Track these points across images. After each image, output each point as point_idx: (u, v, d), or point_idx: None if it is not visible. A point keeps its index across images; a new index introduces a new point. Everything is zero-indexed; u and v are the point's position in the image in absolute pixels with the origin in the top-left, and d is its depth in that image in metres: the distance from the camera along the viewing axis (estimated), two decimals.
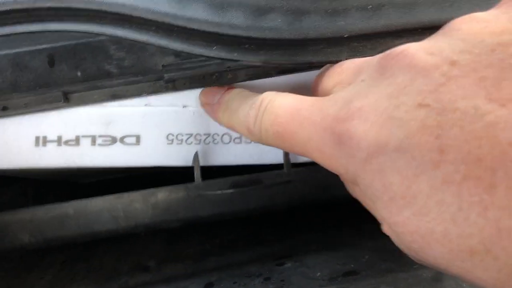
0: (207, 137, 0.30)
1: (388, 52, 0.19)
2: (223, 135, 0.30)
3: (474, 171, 0.14)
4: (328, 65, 0.25)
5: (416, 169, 0.16)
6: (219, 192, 0.29)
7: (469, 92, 0.15)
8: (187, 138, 0.30)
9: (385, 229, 0.19)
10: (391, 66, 0.18)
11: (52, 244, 0.29)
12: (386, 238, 0.31)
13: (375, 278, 0.26)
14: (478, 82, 0.15)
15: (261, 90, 0.26)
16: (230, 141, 0.30)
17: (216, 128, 0.30)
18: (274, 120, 0.22)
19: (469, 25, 0.17)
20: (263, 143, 0.23)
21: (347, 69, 0.23)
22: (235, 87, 0.28)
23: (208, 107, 0.29)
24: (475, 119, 0.15)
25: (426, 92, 0.16)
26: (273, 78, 0.28)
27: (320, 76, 0.25)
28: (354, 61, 0.23)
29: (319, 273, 0.27)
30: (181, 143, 0.30)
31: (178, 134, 0.30)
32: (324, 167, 0.20)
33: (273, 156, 0.30)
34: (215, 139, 0.30)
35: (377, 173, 0.17)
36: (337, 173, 0.20)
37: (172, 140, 0.30)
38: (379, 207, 0.18)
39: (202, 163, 0.30)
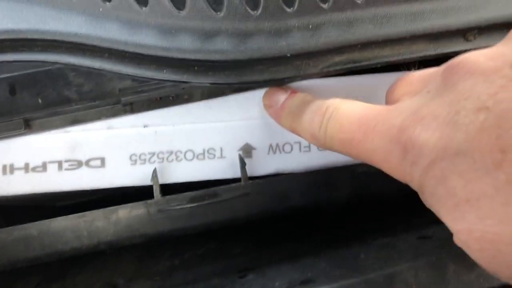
0: (169, 155, 0.31)
1: (451, 61, 0.19)
2: (186, 152, 0.31)
3: None
4: (400, 76, 0.25)
5: (478, 171, 0.16)
6: (178, 207, 0.30)
7: None
8: (150, 157, 0.31)
9: (455, 240, 0.18)
10: (452, 75, 0.18)
11: (18, 266, 0.30)
12: (344, 246, 0.32)
13: (330, 284, 0.27)
14: None
15: (322, 93, 0.28)
16: (193, 158, 0.31)
17: (178, 145, 0.31)
18: (340, 128, 0.22)
19: None
20: (328, 149, 0.24)
21: (416, 80, 0.23)
22: (298, 91, 0.28)
23: (270, 109, 0.29)
24: None
25: (485, 95, 0.16)
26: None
27: (392, 86, 0.25)
28: (424, 72, 0.23)
29: (277, 283, 0.28)
30: (144, 163, 0.31)
31: (141, 154, 0.31)
32: (393, 176, 0.21)
33: (236, 171, 0.31)
34: (178, 156, 0.31)
35: (440, 178, 0.17)
36: (406, 183, 0.20)
37: (136, 160, 0.31)
38: (444, 215, 0.17)
39: (165, 180, 0.31)
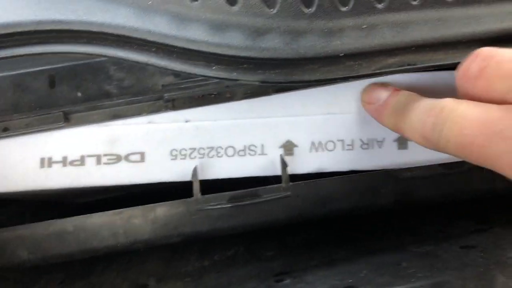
0: (210, 151, 0.31)
1: None
2: (226, 148, 0.31)
3: None
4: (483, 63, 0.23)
5: None
6: (217, 206, 0.29)
7: None
8: (191, 153, 0.30)
9: None
10: None
11: (51, 262, 0.29)
12: (384, 252, 0.31)
13: None
14: None
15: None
16: (234, 154, 0.31)
17: (219, 141, 0.31)
18: (459, 131, 0.21)
19: None
20: (440, 151, 0.23)
21: None
22: (401, 89, 0.28)
23: (370, 107, 0.29)
24: None
25: None
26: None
27: (484, 79, 0.23)
28: None
29: None
30: (185, 158, 0.30)
31: (181, 149, 0.30)
32: None
33: (276, 169, 0.31)
34: (219, 152, 0.31)
35: None
36: None
37: (176, 156, 0.30)
38: None
39: (206, 176, 0.30)
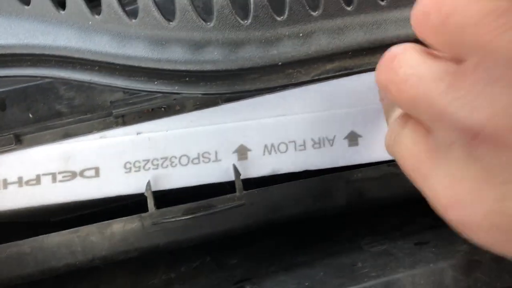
0: (164, 161, 0.31)
1: (465, 128, 0.15)
2: (180, 157, 0.31)
3: None
4: None
5: None
6: (172, 219, 0.29)
7: None
8: (145, 164, 0.31)
9: None
10: (475, 148, 0.15)
11: (11, 284, 0.29)
12: (341, 254, 0.32)
13: None
14: None
15: None
16: (188, 163, 0.31)
17: (172, 150, 0.31)
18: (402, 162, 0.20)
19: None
20: None
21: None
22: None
23: None
24: None
25: None
26: None
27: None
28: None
29: None
30: (139, 170, 0.31)
31: (135, 162, 0.31)
32: None
33: (231, 174, 0.31)
34: (173, 162, 0.31)
35: None
36: None
37: (130, 168, 0.31)
38: None
39: (161, 187, 0.31)
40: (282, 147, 0.31)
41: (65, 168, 0.30)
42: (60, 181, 0.30)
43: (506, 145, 0.14)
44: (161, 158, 0.31)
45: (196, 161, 0.31)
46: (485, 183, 0.15)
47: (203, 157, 0.31)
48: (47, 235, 0.30)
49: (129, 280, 0.36)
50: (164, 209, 0.30)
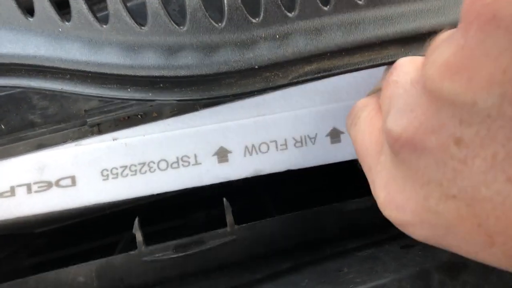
0: (142, 167, 0.30)
1: (389, 132, 0.18)
2: (159, 162, 0.30)
3: None
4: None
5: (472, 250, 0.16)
6: (163, 257, 0.29)
7: (487, 176, 0.14)
8: (122, 171, 0.30)
9: None
10: (398, 152, 0.17)
11: None
12: (328, 259, 0.31)
13: None
14: (491, 162, 0.14)
15: None
16: (167, 167, 0.30)
17: (150, 156, 0.30)
18: None
19: (451, 85, 0.14)
20: None
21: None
22: None
23: None
24: (506, 207, 0.14)
25: (446, 182, 0.15)
26: None
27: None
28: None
29: None
30: (116, 177, 0.30)
31: (112, 169, 0.30)
32: None
33: (213, 177, 0.30)
34: (152, 167, 0.30)
35: None
36: None
37: (107, 176, 0.30)
38: None
39: (140, 193, 0.30)
40: (263, 148, 0.31)
41: (40, 178, 0.29)
42: (36, 191, 0.29)
43: (422, 150, 0.16)
44: (139, 164, 0.30)
45: (175, 165, 0.30)
46: (411, 184, 0.17)
47: (182, 161, 0.30)
48: (29, 277, 0.29)
49: None
50: (154, 246, 0.29)
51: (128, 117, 0.29)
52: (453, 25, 0.26)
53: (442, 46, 0.15)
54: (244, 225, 0.30)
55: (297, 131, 0.31)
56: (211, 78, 0.25)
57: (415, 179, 0.17)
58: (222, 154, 0.31)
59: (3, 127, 0.28)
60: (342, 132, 0.31)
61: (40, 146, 0.29)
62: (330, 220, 0.30)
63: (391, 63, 0.26)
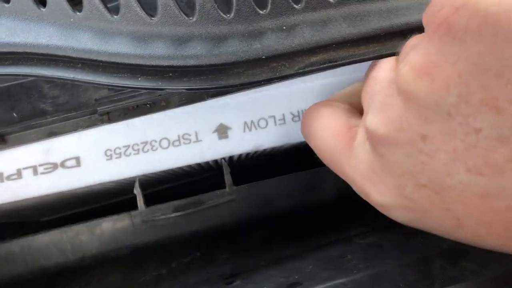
0: (144, 145, 0.31)
1: (367, 129, 0.20)
2: (161, 140, 0.31)
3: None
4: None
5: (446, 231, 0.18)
6: (162, 217, 0.29)
7: (450, 167, 0.16)
8: (125, 150, 0.31)
9: None
10: (375, 143, 0.19)
11: (0, 284, 0.29)
12: (331, 246, 0.32)
13: (317, 287, 0.27)
14: (452, 155, 0.16)
15: None
16: (169, 145, 0.31)
17: (152, 135, 0.31)
18: None
19: (417, 87, 0.16)
20: None
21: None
22: None
23: None
24: (468, 194, 0.16)
25: (416, 173, 0.17)
26: None
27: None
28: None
29: None
30: (120, 157, 0.30)
31: (115, 148, 0.30)
32: None
33: (214, 153, 0.31)
34: (154, 146, 0.31)
35: None
36: None
37: (111, 156, 0.30)
38: None
39: (143, 171, 0.30)
40: (262, 123, 0.31)
41: (45, 160, 0.30)
42: (42, 173, 0.30)
43: (395, 146, 0.17)
44: (141, 143, 0.30)
45: (176, 143, 0.31)
46: (389, 175, 0.19)
47: (183, 138, 0.31)
48: (35, 234, 0.29)
49: (120, 277, 0.36)
50: (154, 207, 0.30)
51: (137, 106, 0.30)
52: None
53: (411, 52, 0.17)
54: (242, 185, 0.30)
55: (294, 105, 0.31)
56: (220, 68, 0.26)
57: (391, 170, 0.18)
58: (222, 131, 0.31)
59: (15, 115, 0.29)
60: None
61: (51, 134, 0.29)
62: (327, 180, 0.31)
63: (396, 54, 0.27)
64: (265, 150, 0.31)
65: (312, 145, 0.26)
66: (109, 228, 0.30)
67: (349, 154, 0.22)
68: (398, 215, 0.20)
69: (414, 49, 0.17)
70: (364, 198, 0.21)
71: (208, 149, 0.31)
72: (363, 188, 0.21)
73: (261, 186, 0.31)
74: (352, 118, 0.24)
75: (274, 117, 0.31)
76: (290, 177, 0.31)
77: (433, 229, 0.19)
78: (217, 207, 0.30)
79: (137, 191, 0.30)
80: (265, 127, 0.31)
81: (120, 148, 0.30)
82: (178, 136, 0.31)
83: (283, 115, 0.31)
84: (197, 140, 0.31)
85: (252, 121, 0.31)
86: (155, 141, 0.31)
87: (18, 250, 0.29)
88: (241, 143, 0.31)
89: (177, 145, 0.31)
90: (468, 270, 0.26)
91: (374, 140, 0.19)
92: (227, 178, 0.30)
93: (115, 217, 0.30)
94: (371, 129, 0.19)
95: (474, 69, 0.14)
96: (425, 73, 0.16)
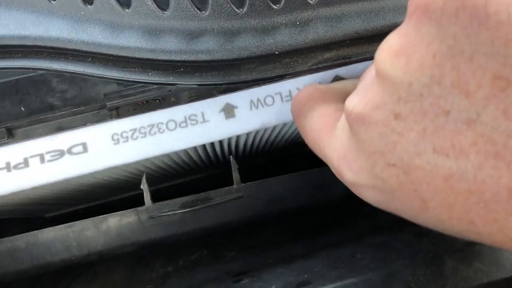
0: (151, 128, 0.30)
1: (345, 108, 0.20)
2: (167, 122, 0.30)
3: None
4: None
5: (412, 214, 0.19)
6: (169, 213, 0.29)
7: (419, 147, 0.16)
8: (132, 134, 0.30)
9: None
10: (352, 123, 0.19)
11: (6, 280, 0.29)
12: (340, 245, 0.31)
13: (327, 286, 0.26)
14: (422, 135, 0.16)
15: None
16: (176, 127, 0.30)
17: (158, 117, 0.30)
18: None
19: (392, 67, 0.16)
20: None
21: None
22: None
23: None
24: (434, 174, 0.16)
25: (387, 152, 0.17)
26: None
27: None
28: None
29: (273, 287, 0.28)
30: (127, 140, 0.30)
31: (122, 132, 0.30)
32: None
33: (222, 132, 0.31)
34: (160, 128, 0.30)
35: None
36: None
37: (118, 140, 0.30)
38: None
39: (152, 154, 0.30)
40: (269, 100, 0.31)
41: (52, 147, 0.29)
42: (49, 160, 0.29)
43: (369, 124, 0.18)
44: (148, 126, 0.30)
45: (183, 124, 0.30)
46: (362, 153, 0.19)
47: (190, 119, 0.30)
48: (41, 230, 0.29)
49: (126, 274, 0.36)
50: (161, 203, 0.29)
51: (147, 101, 0.29)
52: None
53: (391, 34, 0.17)
54: (250, 182, 0.30)
55: (301, 81, 0.31)
56: (232, 63, 0.26)
57: (364, 149, 0.19)
58: (228, 110, 0.31)
59: (23, 109, 0.29)
60: (344, 79, 0.31)
61: (60, 129, 0.29)
62: (335, 179, 0.31)
63: None
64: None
65: (299, 125, 0.26)
66: (115, 224, 0.30)
67: (330, 134, 0.22)
68: (368, 195, 0.20)
69: (393, 32, 0.17)
70: (339, 178, 0.22)
71: (216, 129, 0.30)
72: (339, 167, 0.21)
73: (269, 184, 0.30)
74: (342, 103, 0.24)
75: (280, 93, 0.31)
76: (299, 174, 0.31)
77: (400, 211, 0.19)
78: (225, 204, 0.30)
79: (144, 187, 0.29)
80: (272, 104, 0.30)
81: (127, 132, 0.30)
82: (185, 118, 0.30)
83: (289, 91, 0.30)
84: (204, 121, 0.30)
85: (258, 99, 0.30)
86: (162, 123, 0.30)
87: (24, 246, 0.29)
88: (248, 121, 0.30)
89: (184, 126, 0.30)
90: (481, 271, 0.26)
91: (350, 118, 0.19)
92: (235, 175, 0.30)
93: (121, 212, 0.30)
94: (349, 108, 0.19)
95: (448, 51, 0.14)
96: (400, 53, 0.16)
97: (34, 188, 0.29)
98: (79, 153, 0.29)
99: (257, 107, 0.30)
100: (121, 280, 0.35)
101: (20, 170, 0.29)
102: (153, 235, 0.30)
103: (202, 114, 0.30)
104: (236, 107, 0.30)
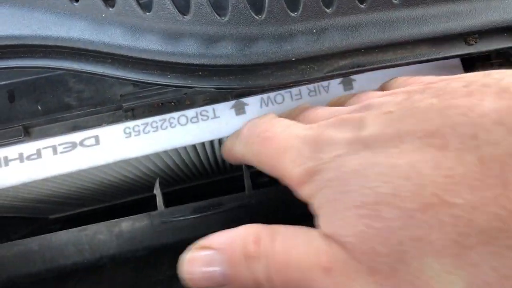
0: (163, 122, 0.30)
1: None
2: (179, 117, 0.31)
3: None
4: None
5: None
6: (181, 218, 0.29)
7: None
8: (144, 128, 0.30)
9: None
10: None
11: (18, 282, 0.29)
12: None
13: None
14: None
15: None
16: (187, 122, 0.31)
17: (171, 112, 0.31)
18: None
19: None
20: None
21: None
22: None
23: None
24: None
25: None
26: None
27: None
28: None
29: None
30: (139, 134, 0.30)
31: (134, 126, 0.30)
32: None
33: (232, 128, 0.31)
34: (172, 123, 0.31)
35: None
36: None
37: (130, 133, 0.30)
38: None
39: (163, 148, 0.30)
40: (279, 98, 0.31)
41: (65, 139, 0.30)
42: (61, 152, 0.29)
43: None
44: (160, 120, 0.30)
45: (194, 119, 0.31)
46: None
47: (201, 115, 0.31)
48: (54, 233, 0.29)
49: (133, 276, 0.36)
50: (173, 208, 0.29)
51: (162, 103, 0.30)
52: (483, 28, 0.27)
53: None
54: (262, 189, 0.30)
55: (312, 85, 0.31)
56: (249, 68, 0.26)
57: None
58: (239, 107, 0.31)
59: (39, 108, 0.29)
60: (354, 80, 0.31)
61: (75, 128, 0.29)
62: None
63: (422, 62, 0.27)
64: None
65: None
66: (128, 228, 0.30)
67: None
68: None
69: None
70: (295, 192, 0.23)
71: (226, 125, 0.31)
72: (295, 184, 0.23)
73: (280, 190, 0.31)
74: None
75: (290, 92, 0.31)
76: None
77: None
78: (236, 209, 0.30)
79: (157, 191, 0.30)
80: (282, 102, 0.31)
81: (139, 126, 0.30)
82: (196, 113, 0.31)
83: (300, 90, 0.31)
84: (215, 117, 0.31)
85: (268, 97, 0.31)
86: (173, 118, 0.30)
87: (37, 248, 0.29)
88: None
89: (195, 122, 0.30)
90: None
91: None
92: (247, 182, 0.30)
93: (134, 217, 0.30)
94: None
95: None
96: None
97: (45, 180, 0.29)
98: (91, 145, 0.30)
99: (267, 105, 0.31)
100: (128, 281, 0.35)
101: (33, 161, 0.29)
102: (164, 239, 0.30)
103: (213, 110, 0.31)
104: (246, 104, 0.31)
